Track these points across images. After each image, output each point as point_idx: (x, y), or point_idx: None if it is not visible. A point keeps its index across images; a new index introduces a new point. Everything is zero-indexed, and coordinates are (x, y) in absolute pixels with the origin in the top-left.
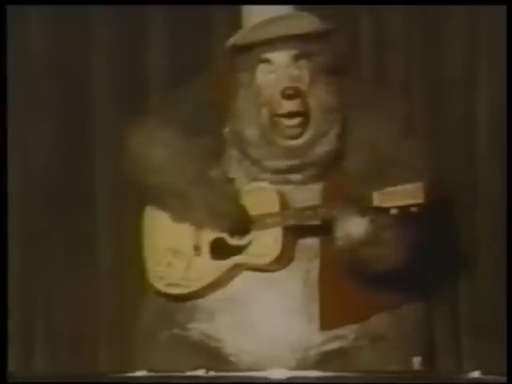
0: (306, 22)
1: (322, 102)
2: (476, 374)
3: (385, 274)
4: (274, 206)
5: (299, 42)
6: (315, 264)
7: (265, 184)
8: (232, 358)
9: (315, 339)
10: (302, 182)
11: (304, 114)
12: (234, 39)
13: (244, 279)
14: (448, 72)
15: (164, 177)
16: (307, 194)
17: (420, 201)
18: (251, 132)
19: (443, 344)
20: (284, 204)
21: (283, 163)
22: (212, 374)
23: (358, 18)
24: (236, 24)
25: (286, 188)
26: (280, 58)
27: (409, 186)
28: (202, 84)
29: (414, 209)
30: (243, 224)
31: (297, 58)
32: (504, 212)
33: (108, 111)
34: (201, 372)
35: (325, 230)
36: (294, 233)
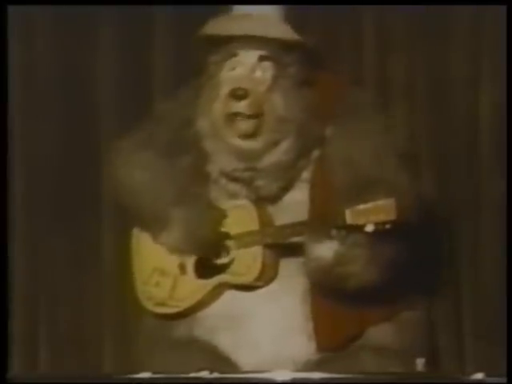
0: (281, 28)
1: (277, 110)
2: (479, 376)
3: (377, 287)
4: (254, 224)
5: (271, 45)
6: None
7: (244, 202)
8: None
9: (315, 356)
10: (271, 198)
11: (255, 117)
12: (209, 29)
13: (240, 295)
14: (451, 73)
15: (143, 200)
16: (294, 212)
17: (392, 217)
18: (204, 124)
19: (446, 346)
20: (265, 222)
21: (234, 163)
22: (216, 375)
23: (361, 18)
24: None
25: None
26: (248, 56)
27: (380, 203)
28: (181, 101)
29: (387, 226)
30: (222, 247)
31: (263, 59)
32: (505, 217)
33: (113, 113)
34: (205, 373)
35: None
36: (276, 250)
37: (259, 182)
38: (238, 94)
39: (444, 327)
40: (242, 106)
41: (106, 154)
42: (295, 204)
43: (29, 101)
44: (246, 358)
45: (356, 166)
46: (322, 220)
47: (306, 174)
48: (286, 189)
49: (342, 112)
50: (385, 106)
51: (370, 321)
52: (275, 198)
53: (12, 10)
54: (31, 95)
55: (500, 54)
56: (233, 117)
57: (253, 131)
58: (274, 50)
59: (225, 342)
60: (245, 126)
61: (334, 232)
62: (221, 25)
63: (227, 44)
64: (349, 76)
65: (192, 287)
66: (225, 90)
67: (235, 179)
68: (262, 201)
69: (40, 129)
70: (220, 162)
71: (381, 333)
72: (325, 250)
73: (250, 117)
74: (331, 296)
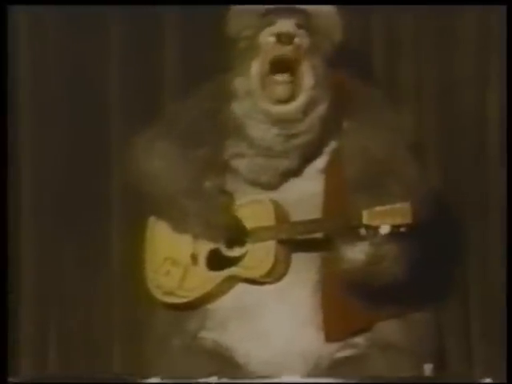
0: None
1: (317, 69)
2: (488, 380)
3: (389, 285)
4: (270, 219)
5: (306, 17)
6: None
7: (261, 196)
8: (243, 368)
9: (326, 348)
10: (291, 171)
11: (295, 77)
12: (245, 9)
13: (252, 288)
14: (458, 74)
15: (161, 187)
16: (308, 206)
17: (408, 221)
18: (239, 83)
19: (453, 349)
20: (280, 217)
21: (266, 130)
22: (224, 380)
23: (369, 18)
24: None
25: (282, 194)
26: (285, 24)
27: (397, 206)
28: (203, 95)
29: (402, 229)
30: (239, 235)
31: (300, 26)
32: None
33: (122, 118)
34: (213, 379)
35: (319, 244)
36: (289, 247)
37: (285, 153)
38: (283, 39)
39: (452, 330)
40: (287, 50)
41: (116, 153)
42: (310, 195)
43: (37, 102)
44: (257, 351)
45: (370, 162)
46: (338, 219)
47: (321, 164)
48: (305, 165)
49: (357, 107)
50: (395, 105)
51: (380, 316)
52: (296, 174)
53: (20, 10)
54: (40, 97)
55: (507, 54)
56: (273, 79)
57: (289, 94)
58: (310, 21)
59: (235, 335)
60: (283, 90)
61: (362, 231)
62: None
63: (264, 16)
64: (359, 74)
65: (202, 278)
66: (263, 49)
67: (263, 150)
68: (282, 178)
69: (49, 130)
70: (250, 127)
71: (389, 329)
72: (357, 251)
73: (291, 74)
74: (343, 290)
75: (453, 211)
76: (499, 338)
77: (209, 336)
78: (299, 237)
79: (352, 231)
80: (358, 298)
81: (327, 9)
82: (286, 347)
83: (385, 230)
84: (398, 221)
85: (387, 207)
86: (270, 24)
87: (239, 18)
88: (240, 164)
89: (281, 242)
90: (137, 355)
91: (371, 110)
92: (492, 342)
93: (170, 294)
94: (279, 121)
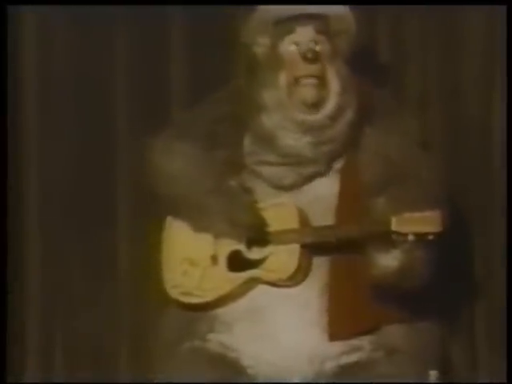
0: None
1: (341, 75)
2: None
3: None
4: (294, 223)
5: (324, 22)
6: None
7: (285, 200)
8: (249, 370)
9: (331, 350)
10: (317, 173)
11: (322, 82)
12: (263, 13)
13: (262, 290)
14: (464, 74)
15: (182, 187)
16: (323, 207)
17: (438, 229)
18: (268, 95)
19: (459, 357)
20: (303, 221)
21: (297, 138)
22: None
23: (375, 20)
24: None
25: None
26: (305, 31)
27: (427, 214)
28: (220, 98)
29: (431, 237)
30: (261, 235)
31: (320, 32)
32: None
33: (129, 118)
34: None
35: (341, 248)
36: (311, 251)
37: (314, 160)
38: (308, 57)
39: (457, 335)
40: (312, 68)
41: (122, 153)
42: (325, 197)
43: (42, 104)
44: (263, 352)
45: (387, 166)
46: (365, 224)
47: (338, 166)
48: (329, 170)
49: (374, 111)
50: (403, 106)
51: (386, 320)
52: (319, 178)
53: (21, 10)
54: (45, 98)
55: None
56: (300, 82)
57: (317, 97)
58: (328, 25)
59: (241, 337)
60: (310, 93)
61: (395, 237)
62: (275, 8)
63: (281, 23)
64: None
65: (221, 279)
66: (287, 60)
67: (292, 159)
68: (304, 181)
69: (55, 131)
70: (282, 138)
71: (395, 333)
72: (389, 258)
73: (318, 79)
74: (352, 292)
75: (461, 223)
76: (505, 344)
77: (216, 338)
78: (321, 241)
79: (380, 237)
80: (369, 302)
81: (342, 10)
82: (292, 349)
83: (411, 236)
84: (427, 228)
85: (416, 214)
86: (290, 32)
87: (254, 24)
88: (265, 170)
89: (304, 246)
90: (144, 357)
91: (386, 114)
92: (498, 348)
93: (187, 294)
94: (310, 128)
